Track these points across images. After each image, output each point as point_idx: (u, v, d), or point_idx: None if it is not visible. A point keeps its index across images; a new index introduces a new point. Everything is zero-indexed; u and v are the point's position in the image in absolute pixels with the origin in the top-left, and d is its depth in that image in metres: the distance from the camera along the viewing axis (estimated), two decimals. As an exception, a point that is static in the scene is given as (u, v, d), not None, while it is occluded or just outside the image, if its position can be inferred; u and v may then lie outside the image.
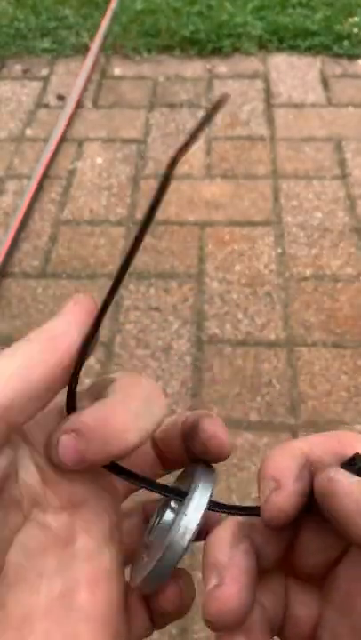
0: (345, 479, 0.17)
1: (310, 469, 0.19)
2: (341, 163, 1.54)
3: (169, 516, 0.21)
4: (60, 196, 1.49)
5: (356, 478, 0.18)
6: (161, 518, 0.21)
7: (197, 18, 2.03)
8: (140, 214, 1.44)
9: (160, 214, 1.43)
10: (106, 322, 1.22)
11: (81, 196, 1.49)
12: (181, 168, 1.55)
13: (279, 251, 1.34)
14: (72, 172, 1.55)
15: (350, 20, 2.00)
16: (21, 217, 1.39)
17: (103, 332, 1.20)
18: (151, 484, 0.21)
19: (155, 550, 0.20)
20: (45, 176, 1.52)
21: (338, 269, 1.30)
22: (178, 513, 0.19)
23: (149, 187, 1.50)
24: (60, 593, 0.19)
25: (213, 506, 0.20)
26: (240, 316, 1.22)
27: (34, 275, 1.31)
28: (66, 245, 1.37)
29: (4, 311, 1.25)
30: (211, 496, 0.20)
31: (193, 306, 1.24)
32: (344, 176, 1.51)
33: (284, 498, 0.18)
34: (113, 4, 2.10)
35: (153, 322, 1.22)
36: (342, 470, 0.18)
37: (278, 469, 0.19)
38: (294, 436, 1.03)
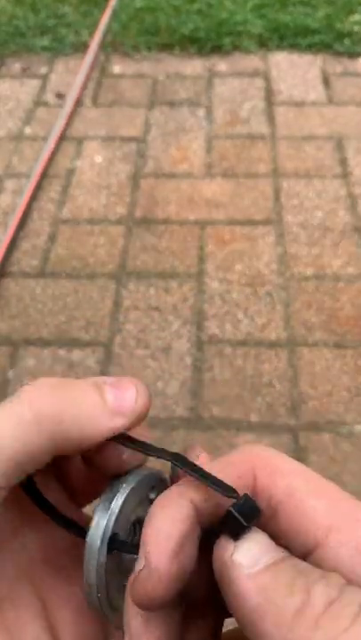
0: (242, 571, 0.14)
1: (202, 524, 0.16)
2: (342, 161, 1.54)
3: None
4: (60, 195, 1.48)
5: (256, 569, 0.14)
6: None
7: (197, 16, 2.02)
8: (139, 213, 1.43)
9: (160, 213, 1.42)
10: (106, 321, 1.21)
11: (80, 194, 1.48)
12: (182, 166, 1.54)
13: (280, 250, 1.33)
14: (71, 171, 1.54)
15: (351, 17, 1.99)
16: (20, 216, 1.39)
17: (103, 333, 1.19)
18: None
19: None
20: (44, 175, 1.51)
21: (339, 269, 1.29)
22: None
23: (149, 185, 1.50)
24: (45, 637, 0.19)
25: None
26: (240, 315, 1.21)
27: (33, 274, 1.31)
28: (65, 244, 1.36)
29: (2, 311, 1.24)
30: (112, 523, 0.18)
31: (193, 306, 1.23)
32: (345, 175, 1.50)
33: (153, 584, 0.15)
34: (112, 2, 2.09)
35: (153, 322, 1.21)
36: (239, 549, 0.14)
37: (153, 537, 0.15)
38: (295, 436, 1.03)
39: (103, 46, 1.94)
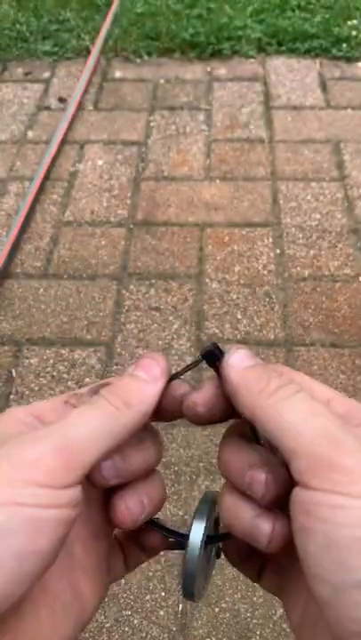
0: (232, 368, 0.24)
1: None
2: (340, 164, 1.56)
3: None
4: (62, 198, 1.50)
5: (240, 368, 0.24)
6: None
7: (197, 21, 2.04)
8: (140, 215, 1.45)
9: (160, 215, 1.44)
10: (107, 322, 1.23)
11: (82, 197, 1.50)
12: (182, 170, 1.56)
13: (278, 251, 1.35)
14: (73, 174, 1.56)
15: (349, 22, 2.01)
16: (23, 218, 1.41)
17: (104, 332, 1.21)
18: (179, 535, 0.27)
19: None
20: (47, 178, 1.54)
21: (336, 270, 1.31)
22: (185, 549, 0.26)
23: (149, 188, 1.52)
24: (63, 552, 0.23)
25: (209, 540, 0.26)
26: (239, 315, 1.23)
27: (36, 275, 1.33)
28: (67, 246, 1.38)
29: (6, 311, 1.26)
30: (206, 529, 0.25)
31: (193, 306, 1.25)
32: (342, 178, 1.52)
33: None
34: (114, 7, 2.12)
35: (153, 322, 1.23)
36: (231, 357, 0.24)
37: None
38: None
39: (104, 51, 1.97)
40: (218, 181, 1.53)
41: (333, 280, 1.29)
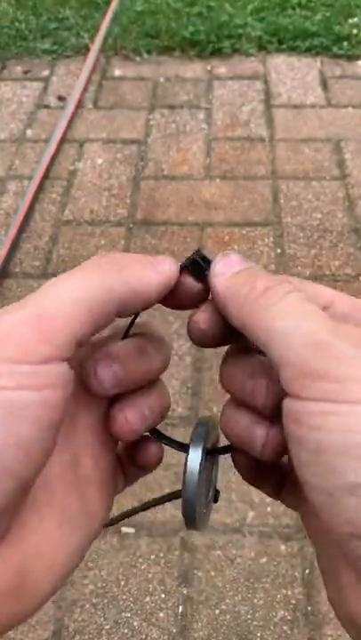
0: (218, 278, 0.22)
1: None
2: (341, 163, 1.55)
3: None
4: (61, 197, 1.49)
5: (226, 276, 0.22)
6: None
7: (197, 19, 2.03)
8: (140, 214, 1.44)
9: (160, 215, 1.44)
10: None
11: (81, 196, 1.49)
12: (182, 168, 1.56)
13: (279, 251, 1.35)
14: (73, 173, 1.56)
15: (350, 21, 2.01)
16: (22, 217, 1.40)
17: (104, 332, 1.21)
18: (180, 445, 0.26)
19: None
20: (46, 176, 1.53)
21: (337, 270, 1.31)
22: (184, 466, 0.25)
23: (149, 187, 1.51)
24: (70, 462, 0.23)
25: (208, 453, 0.25)
26: (240, 315, 1.22)
27: (35, 275, 1.32)
28: (66, 246, 1.38)
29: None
30: (204, 447, 0.24)
31: (193, 306, 1.25)
32: (343, 177, 1.51)
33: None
34: (113, 5, 2.11)
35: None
36: (216, 265, 0.23)
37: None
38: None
39: (104, 49, 1.96)
40: (218, 180, 1.52)
41: (334, 280, 1.28)
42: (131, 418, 0.23)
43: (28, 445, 0.18)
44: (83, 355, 0.23)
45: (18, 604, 0.20)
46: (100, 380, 0.22)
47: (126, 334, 0.25)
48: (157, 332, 0.25)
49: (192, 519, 0.25)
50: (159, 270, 0.22)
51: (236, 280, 0.22)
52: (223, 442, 0.25)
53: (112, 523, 0.27)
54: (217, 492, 0.28)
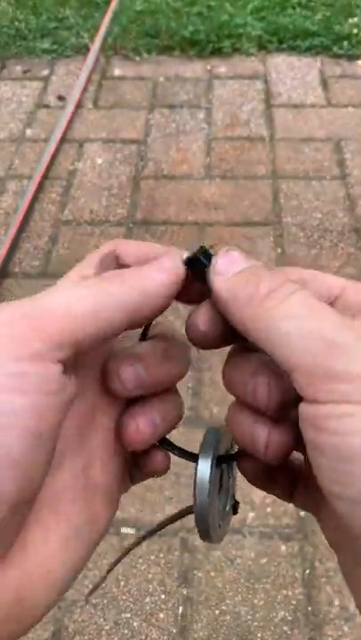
0: (219, 278, 0.21)
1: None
2: (341, 163, 1.55)
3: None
4: (61, 197, 1.49)
5: (227, 276, 0.21)
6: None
7: (197, 18, 2.03)
8: (139, 214, 1.44)
9: (160, 214, 1.44)
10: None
11: (81, 196, 1.49)
12: (181, 168, 1.56)
13: (279, 251, 1.35)
14: (72, 173, 1.55)
15: (350, 20, 2.00)
16: (22, 217, 1.40)
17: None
18: (192, 456, 0.25)
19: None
20: (46, 176, 1.53)
21: (338, 270, 1.30)
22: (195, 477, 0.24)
23: (149, 187, 1.51)
24: (82, 469, 0.22)
25: (219, 461, 0.24)
26: (240, 315, 1.22)
27: (34, 275, 1.32)
28: (66, 245, 1.38)
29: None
30: (214, 455, 0.23)
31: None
32: (343, 176, 1.51)
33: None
34: (113, 5, 2.11)
35: (153, 322, 1.22)
36: (216, 264, 0.21)
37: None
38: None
39: (104, 49, 1.96)
40: (218, 180, 1.52)
41: (334, 279, 1.28)
42: (143, 427, 0.22)
43: (19, 459, 0.17)
44: (103, 357, 0.23)
45: (16, 624, 0.19)
46: (123, 379, 0.22)
47: (145, 335, 0.24)
48: (179, 336, 0.25)
49: (206, 532, 0.23)
50: (164, 268, 0.21)
51: (237, 281, 0.21)
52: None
53: (126, 551, 0.26)
54: (236, 503, 0.27)
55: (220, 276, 0.21)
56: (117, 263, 0.23)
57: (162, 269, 0.22)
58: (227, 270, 0.21)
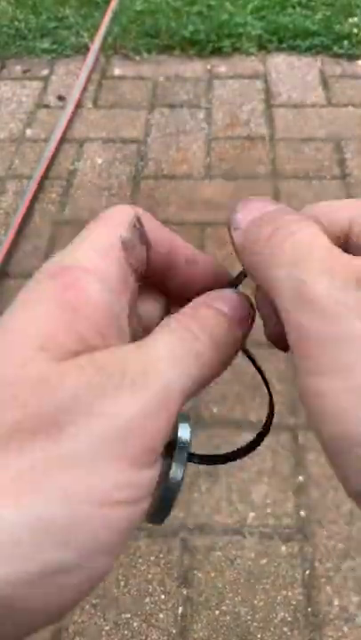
0: (235, 227, 0.20)
1: None
2: (341, 163, 1.55)
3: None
4: (61, 197, 1.49)
5: (242, 225, 0.20)
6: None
7: (197, 18, 2.03)
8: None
9: (160, 214, 1.43)
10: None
11: (81, 196, 1.49)
12: (181, 168, 1.55)
13: (279, 251, 1.35)
14: (72, 173, 1.55)
15: (350, 20, 2.00)
16: (22, 217, 1.40)
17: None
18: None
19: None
20: (46, 176, 1.53)
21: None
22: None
23: (149, 187, 1.51)
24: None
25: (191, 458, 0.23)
26: (240, 315, 1.22)
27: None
28: (66, 245, 1.37)
29: (3, 311, 1.25)
30: (188, 449, 0.22)
31: (193, 306, 1.24)
32: (344, 176, 1.51)
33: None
34: (113, 5, 2.10)
35: (153, 322, 1.22)
36: (235, 214, 0.20)
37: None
38: (294, 435, 1.04)
39: (104, 48, 1.95)
40: (218, 180, 1.52)
41: (335, 279, 1.28)
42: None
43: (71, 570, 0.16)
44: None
45: None
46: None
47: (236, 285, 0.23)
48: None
49: (163, 520, 0.22)
50: (233, 315, 0.20)
51: (251, 227, 0.19)
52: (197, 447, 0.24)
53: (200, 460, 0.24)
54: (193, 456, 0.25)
55: (237, 230, 0.20)
56: (140, 239, 0.21)
57: (234, 316, 0.20)
58: (243, 221, 0.20)
